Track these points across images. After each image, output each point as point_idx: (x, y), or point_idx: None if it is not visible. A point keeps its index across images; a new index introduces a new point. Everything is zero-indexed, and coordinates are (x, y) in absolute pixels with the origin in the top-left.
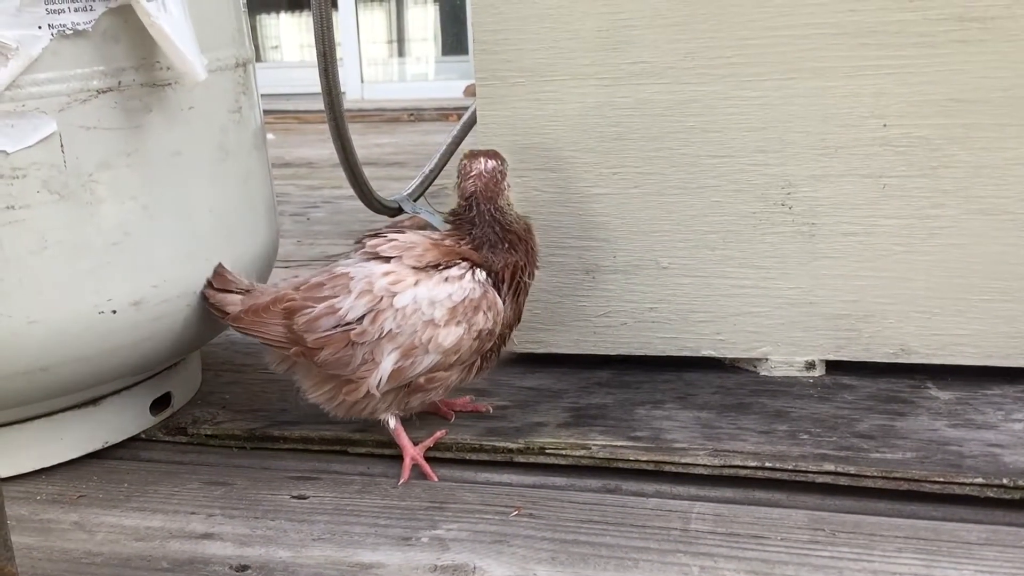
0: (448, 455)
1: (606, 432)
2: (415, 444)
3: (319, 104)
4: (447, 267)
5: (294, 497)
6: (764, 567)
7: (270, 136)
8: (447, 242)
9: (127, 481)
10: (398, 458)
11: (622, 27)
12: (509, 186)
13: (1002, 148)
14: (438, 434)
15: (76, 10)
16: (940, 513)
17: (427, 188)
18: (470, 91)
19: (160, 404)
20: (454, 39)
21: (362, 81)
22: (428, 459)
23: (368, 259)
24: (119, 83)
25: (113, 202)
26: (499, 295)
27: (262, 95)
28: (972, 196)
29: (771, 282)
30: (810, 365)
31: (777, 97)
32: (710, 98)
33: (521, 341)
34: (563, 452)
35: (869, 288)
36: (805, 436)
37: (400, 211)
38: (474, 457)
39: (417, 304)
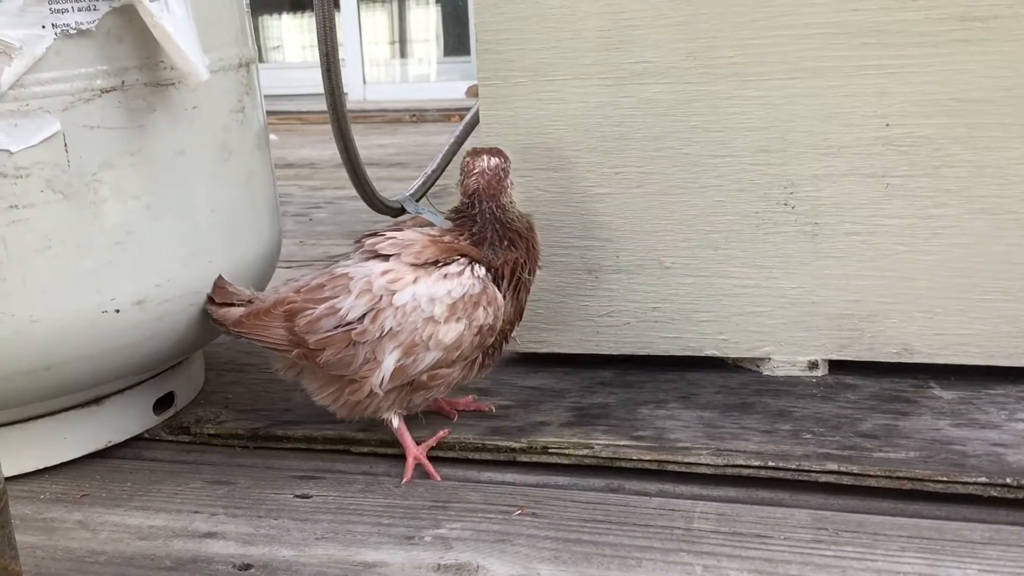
0: (451, 454)
1: (609, 431)
2: (418, 443)
3: (321, 105)
4: (446, 264)
5: (297, 496)
6: (767, 566)
7: (273, 137)
8: (446, 238)
9: (130, 480)
10: (401, 457)
11: (624, 27)
12: (512, 184)
13: (1005, 148)
14: (441, 433)
15: (80, 10)
16: (943, 512)
17: (429, 188)
18: (472, 92)
19: (163, 403)
20: (456, 40)
21: (364, 82)
22: (431, 458)
23: (367, 258)
24: (123, 83)
25: (116, 201)
26: (499, 291)
27: (264, 96)
28: (975, 196)
29: (774, 282)
30: (813, 365)
31: (779, 97)
32: (712, 98)
33: (524, 341)
34: (566, 451)
35: (872, 288)
36: (808, 436)
37: (402, 211)
38: (477, 456)
39: (417, 301)
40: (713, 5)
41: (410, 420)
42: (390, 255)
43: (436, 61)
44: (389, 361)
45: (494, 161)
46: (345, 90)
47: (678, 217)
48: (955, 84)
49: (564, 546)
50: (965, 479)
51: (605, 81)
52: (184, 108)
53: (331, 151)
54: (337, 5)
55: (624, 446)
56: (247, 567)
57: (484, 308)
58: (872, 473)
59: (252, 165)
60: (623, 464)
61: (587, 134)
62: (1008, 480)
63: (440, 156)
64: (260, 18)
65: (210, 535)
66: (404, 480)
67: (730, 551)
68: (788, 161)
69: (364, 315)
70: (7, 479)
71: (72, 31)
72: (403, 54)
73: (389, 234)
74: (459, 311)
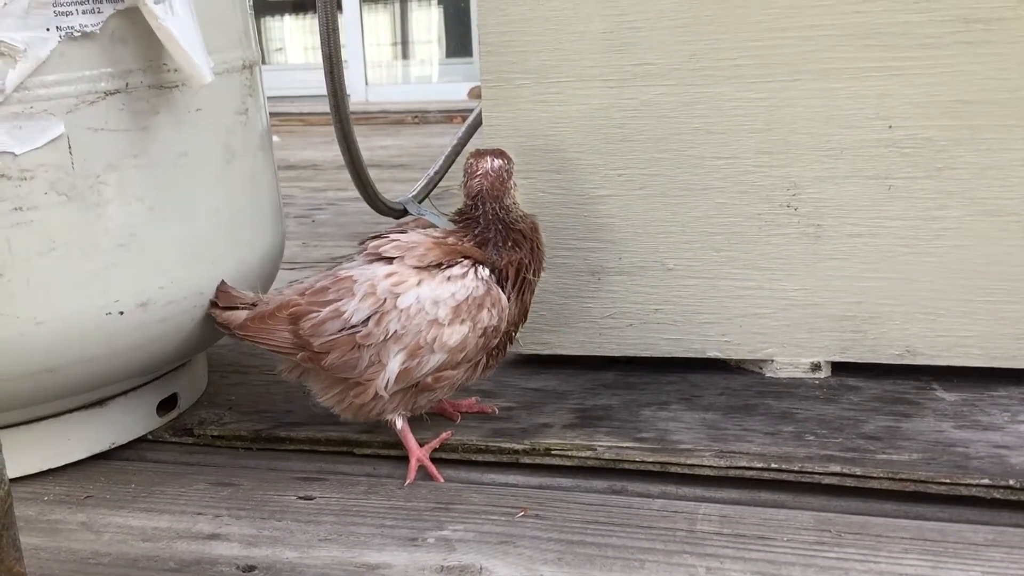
0: (454, 456)
1: (612, 433)
2: (421, 445)
3: (323, 106)
4: (449, 266)
5: (300, 498)
6: (770, 568)
7: (275, 138)
8: (449, 240)
9: (134, 482)
10: (404, 459)
11: (627, 29)
12: (515, 185)
13: (1007, 149)
14: (444, 435)
15: (84, 12)
16: (946, 514)
17: (432, 190)
18: (474, 93)
19: (166, 405)
20: (458, 41)
21: (366, 83)
22: (434, 460)
23: (371, 261)
24: (126, 85)
25: (120, 203)
26: (503, 292)
27: (267, 97)
28: (977, 197)
29: (776, 283)
30: (815, 366)
31: (782, 98)
32: (715, 99)
33: (527, 342)
34: (569, 453)
35: (874, 289)
36: (811, 437)
37: (405, 213)
38: (480, 458)
39: (421, 304)
40: (716, 7)
41: (413, 421)
42: (394, 258)
43: (438, 62)
44: (394, 364)
45: (497, 163)
46: (347, 92)
47: (681, 219)
48: (957, 86)
49: (567, 548)
50: (968, 481)
51: (608, 83)
52: (188, 110)
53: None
54: (339, 6)
55: (627, 448)
56: (251, 568)
57: (488, 310)
58: (875, 475)
59: (255, 167)
60: (626, 466)
61: (590, 136)
62: (1011, 482)
63: (443, 157)
64: (262, 20)
65: (214, 537)
66: (407, 482)
67: (733, 553)
68: (791, 163)
69: (368, 318)
70: (11, 480)
71: (76, 33)
72: (405, 55)
73: (392, 236)
74: (463, 313)
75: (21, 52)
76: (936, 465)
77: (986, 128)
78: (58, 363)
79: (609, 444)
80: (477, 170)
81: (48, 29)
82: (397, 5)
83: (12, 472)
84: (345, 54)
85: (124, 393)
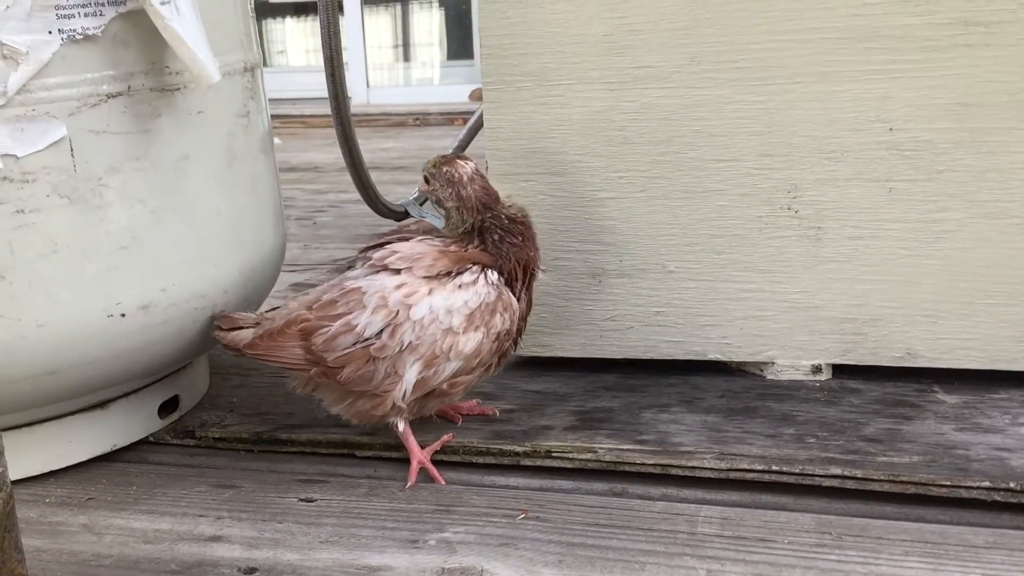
0: (455, 458)
1: (612, 435)
2: (422, 447)
3: (324, 108)
4: (459, 273)
5: (302, 500)
6: (771, 570)
7: (276, 140)
8: (452, 247)
9: (135, 484)
10: (405, 461)
11: (627, 32)
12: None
13: (1008, 152)
14: (445, 437)
15: (86, 15)
16: (947, 517)
17: None
18: (476, 95)
19: (168, 407)
20: (459, 44)
21: (368, 86)
22: (435, 462)
23: (376, 271)
24: (129, 87)
25: (122, 206)
26: (513, 292)
27: (268, 99)
28: (978, 200)
29: (777, 286)
30: (816, 369)
31: (782, 101)
32: (715, 102)
33: (527, 345)
34: (570, 455)
35: (875, 292)
36: (812, 440)
37: (406, 215)
38: (481, 460)
39: (434, 314)
40: (716, 10)
41: (414, 424)
42: (401, 269)
43: (439, 65)
44: (411, 374)
45: (472, 164)
46: (348, 94)
47: (682, 221)
48: (958, 88)
49: (568, 550)
50: (969, 483)
51: (609, 85)
52: (189, 113)
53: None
54: (341, 8)
55: (628, 450)
56: (252, 571)
57: (501, 314)
58: (876, 477)
59: (257, 169)
60: (627, 468)
61: (591, 138)
62: (1012, 484)
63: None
64: (264, 22)
65: (215, 539)
66: (408, 484)
67: (734, 555)
68: (791, 165)
69: (382, 330)
70: (13, 482)
71: (78, 36)
72: (406, 58)
73: (396, 247)
74: (477, 320)
75: (23, 55)
76: (937, 467)
77: (987, 131)
78: (60, 365)
79: (610, 446)
80: (463, 176)
81: (50, 32)
82: (398, 7)
83: (14, 474)
84: (346, 56)
85: (125, 395)
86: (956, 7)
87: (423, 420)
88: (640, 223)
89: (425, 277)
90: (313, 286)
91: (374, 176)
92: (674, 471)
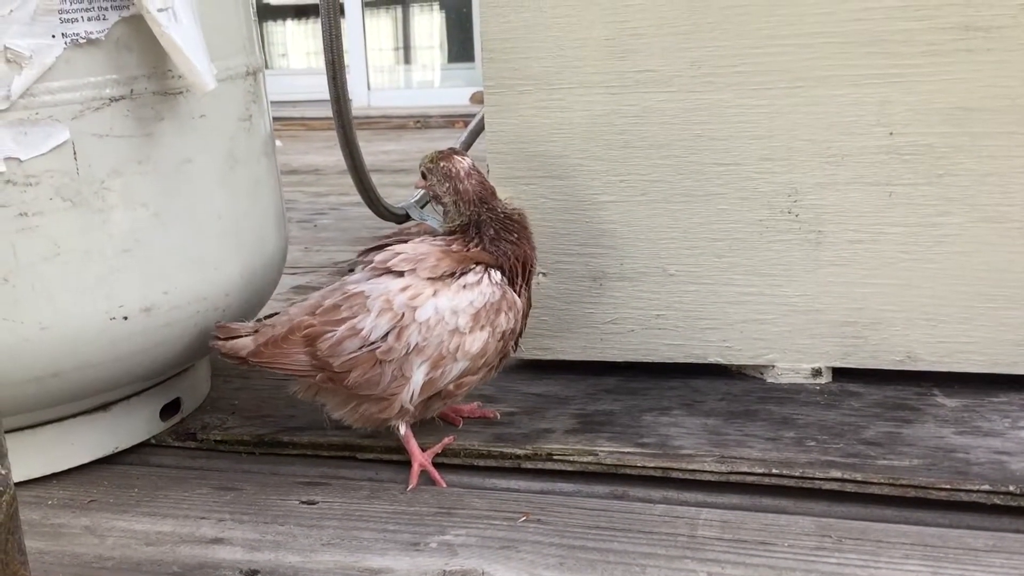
0: (456, 461)
1: (613, 438)
2: (423, 450)
3: (325, 111)
4: (463, 274)
5: (303, 502)
6: (771, 573)
7: (277, 143)
8: (454, 247)
9: (137, 486)
10: (406, 464)
11: (629, 36)
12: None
13: (1008, 156)
14: (446, 440)
15: (89, 19)
16: (947, 520)
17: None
18: (476, 98)
19: (170, 410)
20: (460, 46)
21: (368, 88)
22: (436, 465)
23: (379, 274)
24: (131, 91)
25: (124, 209)
26: (515, 290)
27: (269, 102)
28: (978, 204)
29: (777, 289)
30: (816, 372)
31: (783, 105)
32: (716, 106)
33: (528, 348)
34: (570, 458)
35: (875, 295)
36: (812, 443)
37: (407, 218)
38: (482, 463)
39: (440, 315)
40: (717, 15)
41: (415, 426)
42: (404, 271)
43: (440, 67)
44: (418, 376)
45: (468, 160)
46: (349, 96)
47: (682, 225)
48: (958, 93)
49: (569, 553)
50: (968, 487)
51: (610, 89)
52: (192, 116)
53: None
54: (342, 11)
55: (628, 453)
56: (254, 573)
57: (505, 314)
58: (876, 481)
59: (258, 173)
60: (627, 471)
61: (592, 142)
62: (1011, 488)
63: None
64: (265, 25)
65: (217, 541)
66: (410, 487)
67: (734, 558)
68: (792, 169)
69: (387, 333)
70: (15, 484)
71: (82, 40)
72: (407, 60)
73: (397, 249)
74: (483, 319)
75: (27, 59)
76: (937, 471)
77: (986, 135)
78: (62, 368)
79: (611, 449)
80: (460, 172)
81: (54, 36)
82: (399, 10)
83: (16, 476)
84: (347, 59)
85: (127, 398)
86: (956, 12)
87: (424, 423)
88: (641, 226)
89: (429, 279)
90: (314, 288)
91: (375, 178)
92: (675, 474)
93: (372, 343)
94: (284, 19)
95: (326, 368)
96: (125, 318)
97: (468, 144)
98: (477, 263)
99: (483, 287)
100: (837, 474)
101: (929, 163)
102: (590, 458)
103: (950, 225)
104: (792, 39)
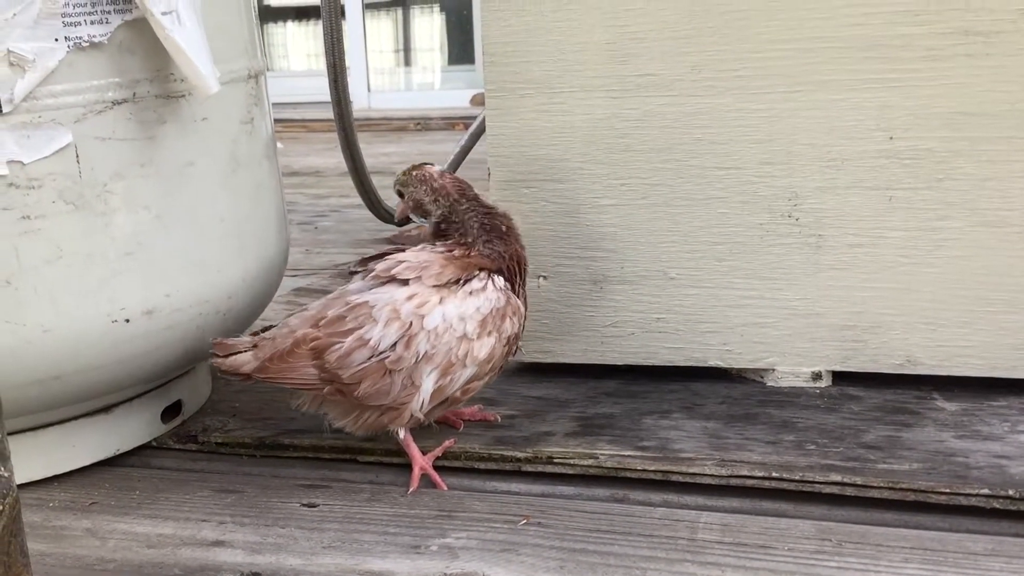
0: (457, 464)
1: (613, 441)
2: (424, 453)
3: (326, 113)
4: (467, 280)
5: (304, 505)
6: None
7: (278, 145)
8: (456, 253)
9: (138, 488)
10: (407, 467)
11: (629, 40)
12: None
13: (1007, 161)
14: (447, 443)
15: (92, 23)
16: (946, 524)
17: None
18: (477, 100)
19: (171, 412)
20: (460, 49)
21: (369, 90)
22: (437, 468)
23: (381, 283)
24: (134, 94)
25: (127, 212)
26: (516, 292)
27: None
28: (978, 208)
29: (778, 293)
30: (816, 376)
31: (783, 109)
32: (717, 110)
33: (529, 351)
34: (571, 461)
35: (875, 299)
36: (812, 446)
37: (408, 220)
38: (483, 466)
39: (448, 322)
40: (718, 19)
41: (415, 429)
42: (409, 279)
43: (440, 69)
44: (428, 384)
45: (437, 166)
46: (350, 99)
47: (683, 228)
48: (958, 98)
49: (569, 556)
50: (968, 491)
51: (611, 93)
52: (194, 120)
53: (336, 159)
54: (342, 13)
55: (629, 456)
56: (255, 575)
57: (510, 318)
58: (875, 484)
59: (260, 176)
60: (628, 474)
61: (592, 146)
62: (1011, 492)
63: (446, 164)
64: (265, 26)
65: (218, 543)
66: (410, 490)
67: (734, 561)
68: (792, 173)
69: (396, 342)
70: (17, 487)
71: (85, 44)
72: (408, 62)
73: (399, 257)
74: (489, 325)
75: (30, 62)
76: (936, 475)
77: (986, 140)
78: (64, 370)
79: (611, 452)
80: (433, 174)
81: (57, 39)
82: (400, 12)
83: (18, 478)
84: (348, 60)
85: (129, 400)
86: (956, 17)
87: (424, 426)
88: (641, 230)
89: (435, 286)
90: (315, 291)
91: (375, 180)
92: (675, 477)
93: (381, 353)
94: (285, 21)
95: (335, 380)
96: (127, 321)
97: (469, 147)
98: (480, 269)
99: (488, 293)
100: (837, 478)
101: (929, 167)
102: (590, 461)
103: (950, 229)
104: (792, 44)
